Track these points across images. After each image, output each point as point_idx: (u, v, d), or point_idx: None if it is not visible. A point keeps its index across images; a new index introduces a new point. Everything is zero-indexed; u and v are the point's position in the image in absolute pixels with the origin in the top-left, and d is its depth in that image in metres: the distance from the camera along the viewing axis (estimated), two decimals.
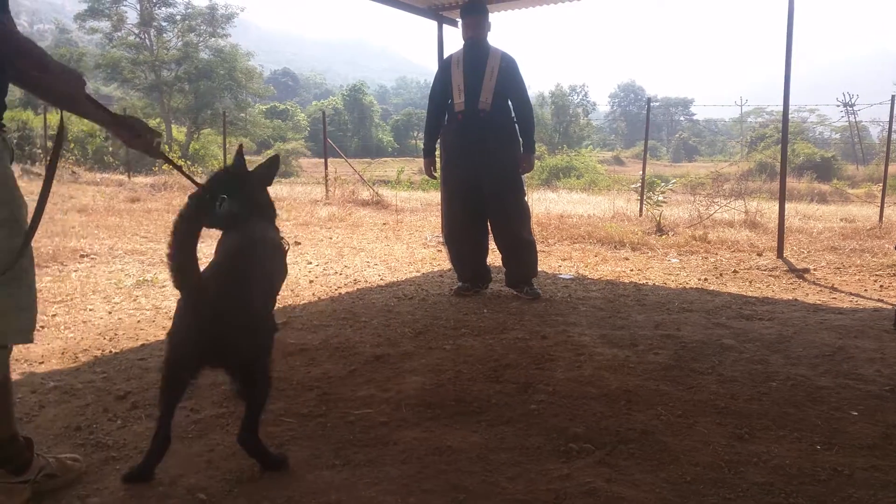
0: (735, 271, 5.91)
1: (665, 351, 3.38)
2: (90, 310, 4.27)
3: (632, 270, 5.97)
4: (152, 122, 34.85)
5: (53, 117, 29.36)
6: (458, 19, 5.23)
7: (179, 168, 2.42)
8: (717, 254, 6.92)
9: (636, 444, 2.27)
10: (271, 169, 2.38)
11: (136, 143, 2.06)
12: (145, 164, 25.66)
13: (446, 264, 5.67)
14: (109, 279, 5.08)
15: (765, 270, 5.96)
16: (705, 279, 5.56)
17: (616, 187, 19.52)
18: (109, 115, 1.99)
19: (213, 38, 39.30)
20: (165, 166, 16.30)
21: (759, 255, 6.80)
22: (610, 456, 2.18)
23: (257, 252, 2.14)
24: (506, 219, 4.74)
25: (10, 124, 25.68)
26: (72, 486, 1.98)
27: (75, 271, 5.41)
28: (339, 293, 4.94)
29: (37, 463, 1.92)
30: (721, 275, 5.77)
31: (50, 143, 20.03)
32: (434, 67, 5.30)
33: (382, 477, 2.05)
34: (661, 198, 9.84)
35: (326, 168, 14.64)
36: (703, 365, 3.16)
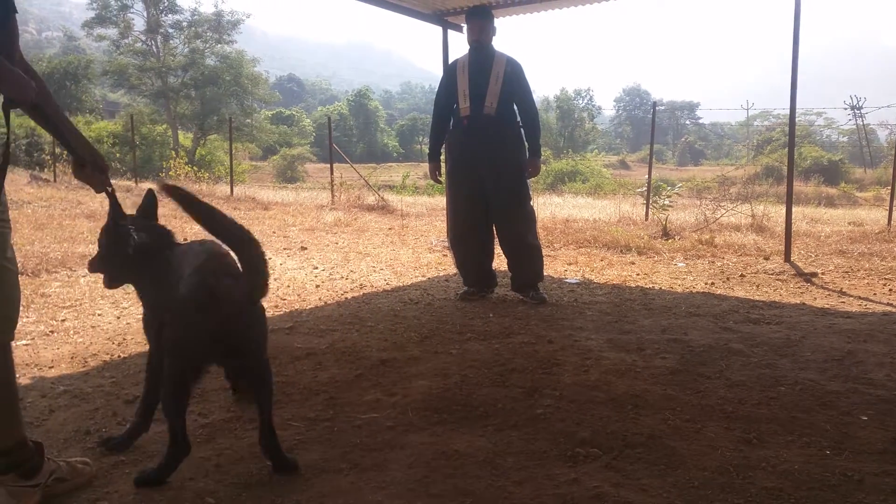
0: (742, 275, 5.90)
1: (672, 355, 3.37)
2: (99, 315, 4.29)
3: (638, 275, 5.96)
4: (159, 128, 35.19)
5: None
6: (462, 25, 5.25)
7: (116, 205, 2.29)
8: (723, 258, 6.90)
9: (643, 448, 2.27)
10: (153, 201, 2.44)
11: (79, 174, 2.09)
12: (152, 170, 25.81)
13: (452, 269, 5.68)
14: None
15: (772, 274, 5.94)
16: (712, 283, 5.55)
17: (622, 191, 19.51)
18: (61, 135, 2.00)
19: (219, 45, 39.52)
20: (172, 172, 16.38)
21: (767, 259, 6.78)
22: (617, 460, 2.18)
23: (223, 251, 2.15)
24: (511, 223, 4.75)
25: (19, 131, 25.72)
26: (82, 490, 1.99)
27: (84, 276, 5.43)
28: (346, 298, 4.94)
29: (47, 467, 1.93)
30: (728, 279, 5.75)
31: (59, 150, 20.14)
32: (439, 72, 5.32)
33: (389, 481, 2.05)
34: (667, 202, 9.82)
35: (332, 173, 14.69)
36: (711, 369, 3.15)
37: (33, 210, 10.01)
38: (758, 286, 5.44)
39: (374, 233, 9.11)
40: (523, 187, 4.78)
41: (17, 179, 16.91)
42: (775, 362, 3.26)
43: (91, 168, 2.08)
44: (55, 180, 17.17)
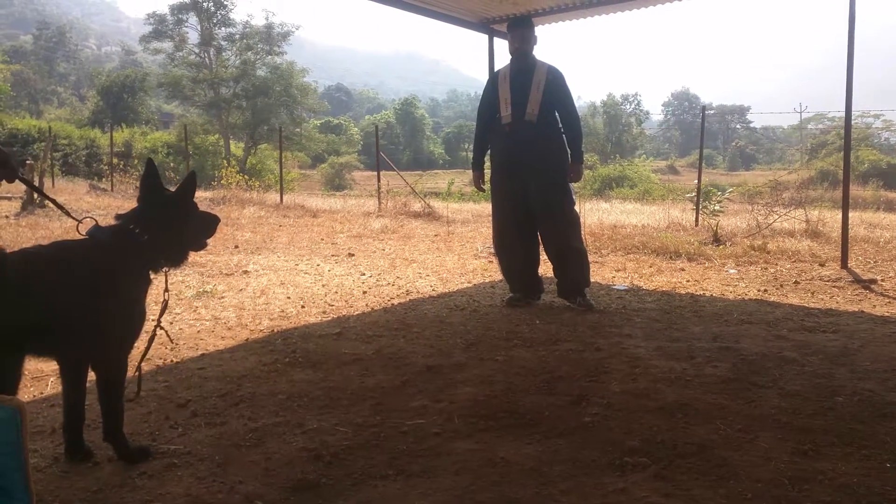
0: (796, 282, 5.74)
1: (723, 363, 3.30)
2: (152, 320, 4.39)
3: (688, 281, 5.85)
4: (211, 138, 36.07)
5: (119, 136, 30.63)
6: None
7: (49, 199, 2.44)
8: (776, 264, 6.72)
9: (694, 458, 2.22)
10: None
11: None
12: (204, 179, 26.45)
13: (498, 275, 5.66)
14: (170, 290, 5.22)
15: (828, 281, 5.77)
16: (765, 290, 5.41)
17: (671, 197, 19.17)
18: None
19: (269, 56, 40.33)
20: (224, 181, 16.73)
21: (822, 265, 6.59)
22: (667, 470, 2.14)
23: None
24: (554, 228, 4.73)
25: (80, 143, 26.78)
26: (135, 492, 2.04)
27: None
28: (392, 304, 4.98)
29: None
30: (781, 286, 5.60)
31: (116, 160, 20.81)
32: (484, 79, 5.34)
33: (436, 488, 2.05)
34: (717, 207, 9.62)
35: (379, 181, 14.82)
36: (764, 378, 3.07)
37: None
38: (813, 293, 5.29)
39: (420, 239, 9.16)
40: (566, 192, 4.75)
41: (77, 189, 17.55)
42: (832, 372, 3.16)
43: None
44: (112, 189, 17.74)
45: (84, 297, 2.04)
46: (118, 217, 2.27)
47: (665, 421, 2.55)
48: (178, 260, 2.37)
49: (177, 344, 3.82)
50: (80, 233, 2.17)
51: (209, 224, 2.50)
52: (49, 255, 2.09)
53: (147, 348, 2.58)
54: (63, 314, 2.00)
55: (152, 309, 2.40)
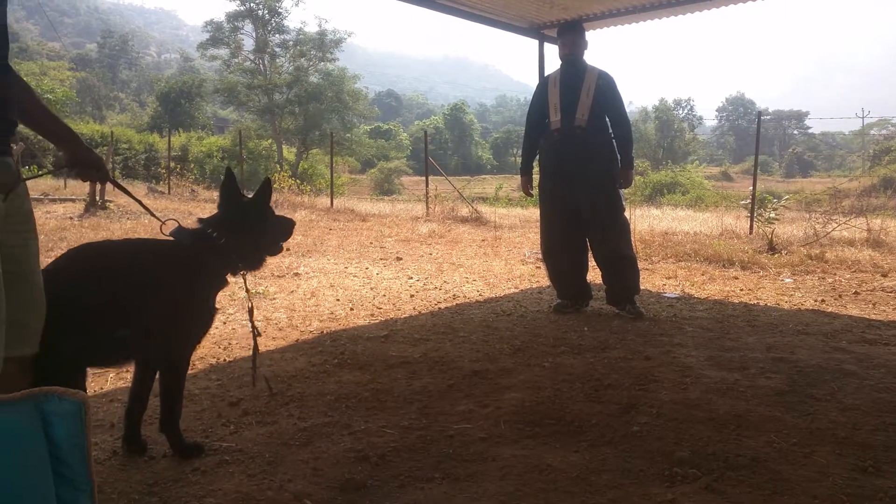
0: (856, 293, 5.55)
1: (778, 375, 3.21)
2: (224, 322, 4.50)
3: (741, 290, 5.71)
4: (265, 143, 36.80)
5: (177, 140, 31.50)
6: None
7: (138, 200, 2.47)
8: (835, 274, 6.51)
9: (746, 471, 2.17)
10: None
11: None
12: (258, 182, 27.00)
13: (545, 281, 5.63)
14: (224, 292, 5.34)
15: (891, 292, 5.56)
16: (822, 300, 5.25)
17: (724, 204, 18.77)
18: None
19: (322, 63, 40.94)
20: (276, 185, 17.04)
21: (884, 275, 6.35)
22: (717, 482, 2.09)
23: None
24: (604, 234, 4.67)
25: (139, 147, 27.50)
26: (189, 487, 2.10)
27: None
28: (439, 308, 4.99)
29: None
30: (840, 296, 5.43)
31: (173, 164, 21.40)
32: (534, 84, 5.33)
33: (481, 493, 2.05)
34: (772, 214, 9.37)
35: (427, 185, 14.89)
36: (821, 391, 2.98)
37: (149, 220, 10.66)
38: (874, 304, 5.11)
39: (467, 244, 9.17)
40: (616, 198, 4.70)
41: (135, 191, 18.10)
42: (894, 386, 3.04)
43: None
44: (169, 192, 18.24)
45: (163, 293, 2.16)
46: (200, 220, 2.35)
47: (716, 432, 2.50)
48: (255, 263, 2.44)
49: (230, 343, 3.91)
50: (163, 233, 2.26)
51: (285, 228, 2.57)
52: (136, 249, 2.28)
53: (255, 355, 2.70)
54: (143, 307, 2.11)
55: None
